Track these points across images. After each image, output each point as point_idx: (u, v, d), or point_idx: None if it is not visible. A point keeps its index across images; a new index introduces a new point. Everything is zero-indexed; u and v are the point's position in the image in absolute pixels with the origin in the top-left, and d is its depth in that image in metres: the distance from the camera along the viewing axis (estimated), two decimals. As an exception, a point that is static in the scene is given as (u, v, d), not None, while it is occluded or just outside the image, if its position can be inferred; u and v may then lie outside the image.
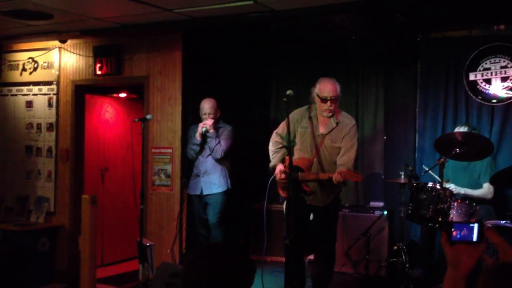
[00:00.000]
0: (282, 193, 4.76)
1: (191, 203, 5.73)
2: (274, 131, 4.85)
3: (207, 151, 5.51)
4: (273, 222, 6.12)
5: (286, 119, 4.45)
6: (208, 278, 1.61)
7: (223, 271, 1.61)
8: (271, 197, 5.70)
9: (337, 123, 4.59)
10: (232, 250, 1.68)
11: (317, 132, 4.57)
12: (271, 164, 4.76)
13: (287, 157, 4.70)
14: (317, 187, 4.52)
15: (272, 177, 4.77)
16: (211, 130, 5.42)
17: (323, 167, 4.51)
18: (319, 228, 4.65)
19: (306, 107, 4.75)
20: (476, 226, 1.62)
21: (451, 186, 5.04)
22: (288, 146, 4.68)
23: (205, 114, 5.50)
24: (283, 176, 4.56)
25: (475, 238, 1.62)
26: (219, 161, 5.49)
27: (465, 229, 1.63)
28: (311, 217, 4.68)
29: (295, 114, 4.72)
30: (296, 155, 4.65)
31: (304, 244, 4.51)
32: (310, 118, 4.65)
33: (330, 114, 4.56)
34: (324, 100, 4.52)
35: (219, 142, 5.44)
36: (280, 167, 4.62)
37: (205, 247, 1.73)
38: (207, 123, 5.43)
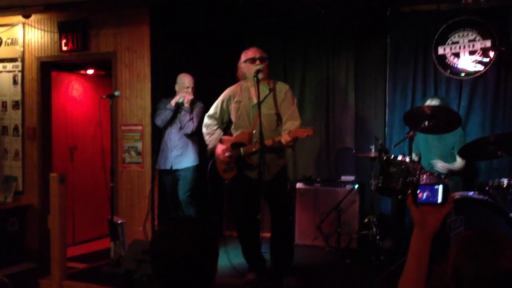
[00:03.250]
0: (224, 176, 4.66)
1: (161, 181, 5.66)
2: (206, 115, 4.78)
3: (178, 125, 5.44)
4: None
5: (222, 94, 4.59)
6: (173, 254, 1.60)
7: (188, 246, 1.60)
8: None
9: (270, 90, 4.50)
10: (197, 225, 1.68)
11: (252, 103, 4.43)
12: (209, 147, 4.69)
13: (224, 137, 4.66)
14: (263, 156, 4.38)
15: (211, 162, 4.73)
16: (187, 105, 5.37)
17: (263, 137, 4.31)
18: (270, 204, 4.52)
19: (235, 84, 4.69)
20: (440, 188, 1.66)
21: (438, 163, 5.12)
22: (221, 126, 4.69)
23: (187, 87, 5.41)
24: (227, 154, 4.50)
25: (439, 199, 1.66)
26: (188, 136, 5.44)
27: (430, 191, 1.66)
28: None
29: (227, 93, 4.68)
30: (234, 133, 4.61)
31: (256, 220, 4.40)
32: (241, 91, 4.58)
33: (262, 76, 4.39)
34: (253, 61, 4.45)
35: (192, 118, 5.38)
36: (221, 147, 4.56)
37: (170, 223, 1.72)
38: (187, 97, 5.37)
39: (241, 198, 4.59)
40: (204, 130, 4.76)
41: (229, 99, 4.63)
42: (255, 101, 4.40)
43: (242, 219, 4.63)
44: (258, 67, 4.40)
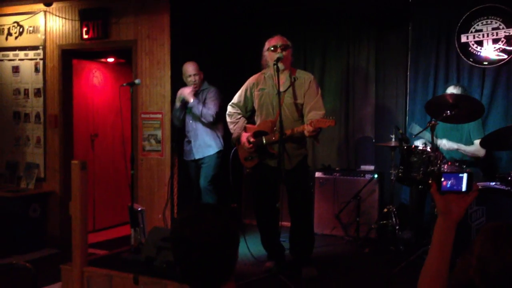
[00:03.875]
0: (246, 164, 4.67)
1: (186, 168, 5.67)
2: (229, 104, 4.76)
3: (193, 116, 5.42)
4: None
5: (246, 82, 4.56)
6: (194, 240, 1.61)
7: (209, 233, 1.61)
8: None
9: (294, 79, 4.46)
10: (218, 212, 1.68)
11: (275, 91, 4.32)
12: (234, 135, 4.68)
13: (248, 126, 4.65)
14: (284, 146, 4.35)
15: (234, 149, 4.75)
16: (191, 100, 5.31)
17: (285, 126, 4.30)
18: (290, 193, 4.51)
19: (260, 72, 4.66)
20: (465, 176, 1.63)
21: (443, 141, 5.05)
22: (245, 114, 4.67)
23: (190, 75, 5.40)
24: (252, 140, 4.49)
25: (464, 188, 1.64)
26: (210, 124, 5.44)
27: (454, 179, 1.63)
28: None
29: (251, 80, 4.66)
30: (257, 121, 4.60)
31: (276, 208, 4.36)
32: (265, 79, 4.56)
33: (283, 67, 4.35)
34: (274, 49, 4.41)
35: (205, 105, 5.37)
36: (246, 135, 4.54)
37: (192, 209, 1.72)
38: (184, 91, 5.34)
39: (260, 187, 4.60)
40: (228, 119, 4.75)
41: (252, 87, 4.61)
42: (277, 89, 4.36)
43: (261, 208, 4.64)
44: (278, 55, 4.38)
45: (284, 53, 4.41)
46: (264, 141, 4.45)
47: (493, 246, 1.37)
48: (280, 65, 4.32)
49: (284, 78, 4.43)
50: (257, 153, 4.54)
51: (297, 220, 4.57)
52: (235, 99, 4.72)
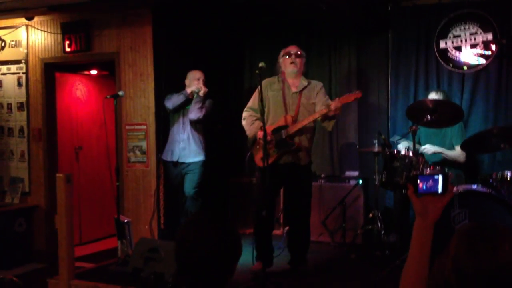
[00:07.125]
0: (264, 163, 4.67)
1: (168, 173, 5.65)
2: (244, 110, 4.91)
3: (187, 117, 5.45)
4: (251, 194, 6.15)
5: (258, 88, 4.61)
6: (200, 247, 1.63)
7: (216, 239, 1.64)
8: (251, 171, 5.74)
9: (308, 83, 4.82)
10: (223, 219, 1.71)
11: (291, 91, 4.74)
12: (251, 135, 4.80)
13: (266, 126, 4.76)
14: (302, 140, 4.67)
15: (248, 153, 4.82)
16: (201, 95, 5.41)
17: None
18: (295, 197, 4.73)
19: (274, 76, 4.93)
20: (440, 177, 1.67)
21: (427, 146, 5.12)
22: (262, 118, 4.70)
23: (197, 79, 5.49)
24: (268, 138, 4.52)
25: (440, 189, 1.67)
26: (194, 127, 5.46)
27: (430, 181, 1.67)
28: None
29: (265, 82, 4.83)
30: (272, 120, 4.73)
31: (273, 215, 4.62)
32: (279, 82, 4.82)
33: (296, 70, 4.76)
34: (289, 55, 4.77)
35: (202, 107, 5.41)
36: (261, 132, 4.56)
37: (202, 214, 1.76)
38: (203, 88, 5.45)
39: (266, 194, 4.60)
40: (243, 122, 4.89)
41: (266, 88, 4.79)
42: (293, 90, 4.75)
43: (263, 217, 4.62)
44: (291, 61, 4.74)
45: (297, 60, 4.77)
46: (284, 135, 4.65)
47: (467, 247, 1.41)
48: (293, 70, 4.75)
49: (298, 81, 4.81)
50: (276, 149, 4.65)
51: (298, 220, 4.80)
52: (250, 103, 4.91)
